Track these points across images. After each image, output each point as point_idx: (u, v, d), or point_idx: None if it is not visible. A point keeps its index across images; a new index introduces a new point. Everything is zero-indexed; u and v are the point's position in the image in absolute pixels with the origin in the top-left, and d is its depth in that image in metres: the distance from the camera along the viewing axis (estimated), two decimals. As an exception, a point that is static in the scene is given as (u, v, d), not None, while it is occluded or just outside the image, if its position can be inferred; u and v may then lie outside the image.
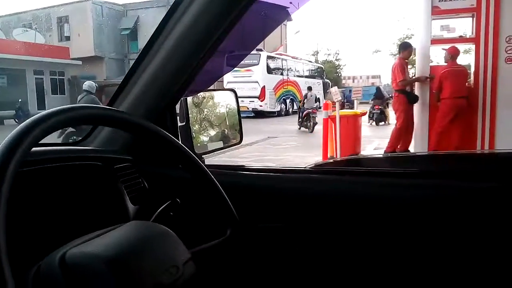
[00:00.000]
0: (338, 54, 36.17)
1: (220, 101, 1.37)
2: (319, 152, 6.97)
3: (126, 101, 1.12)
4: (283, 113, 19.08)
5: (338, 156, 6.45)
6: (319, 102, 22.49)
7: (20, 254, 0.67)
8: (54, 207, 0.89)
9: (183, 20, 1.01)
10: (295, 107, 20.14)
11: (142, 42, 24.47)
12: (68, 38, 23.95)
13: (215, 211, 0.88)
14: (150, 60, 1.07)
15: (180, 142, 0.84)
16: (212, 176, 0.85)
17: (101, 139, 1.21)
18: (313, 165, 1.23)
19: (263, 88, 17.90)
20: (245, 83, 17.96)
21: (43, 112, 0.62)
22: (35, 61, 19.55)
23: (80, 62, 21.93)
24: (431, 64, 5.92)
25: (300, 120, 13.27)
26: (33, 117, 0.60)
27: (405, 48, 6.27)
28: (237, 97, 1.40)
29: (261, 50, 18.54)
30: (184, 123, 1.22)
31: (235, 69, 18.72)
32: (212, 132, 1.33)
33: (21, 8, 25.13)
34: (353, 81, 32.66)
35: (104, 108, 0.74)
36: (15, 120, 17.63)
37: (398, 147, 6.28)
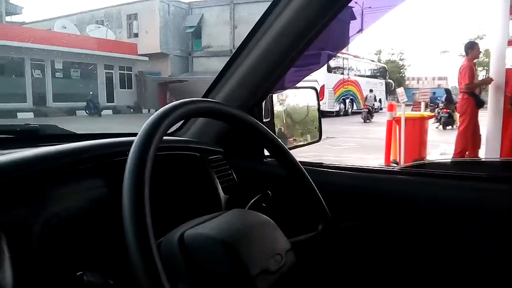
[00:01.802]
0: (402, 53, 34.90)
1: (302, 98, 1.39)
2: (380, 155, 6.79)
3: (220, 95, 1.17)
4: (342, 113, 18.70)
5: (402, 160, 6.25)
6: (381, 102, 21.93)
7: None
8: (159, 192, 0.96)
9: (282, 18, 1.04)
10: (355, 107, 19.71)
11: (206, 40, 25.12)
12: (136, 35, 25.11)
13: (306, 206, 0.90)
14: (246, 55, 1.12)
15: (280, 141, 0.87)
16: (306, 173, 0.88)
17: (193, 131, 1.27)
18: (400, 166, 1.22)
19: (322, 87, 17.64)
20: (304, 81, 17.84)
21: (171, 104, 0.67)
22: (106, 56, 20.71)
23: (147, 58, 22.91)
24: (507, 67, 5.55)
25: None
26: (163, 108, 0.66)
27: (472, 47, 5.91)
28: (318, 95, 1.41)
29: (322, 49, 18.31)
30: (269, 119, 1.26)
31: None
32: (293, 129, 1.36)
33: (94, 6, 26.58)
34: (418, 82, 31.44)
35: (219, 103, 0.79)
36: (86, 112, 18.81)
37: (467, 153, 5.98)
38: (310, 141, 1.40)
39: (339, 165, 1.25)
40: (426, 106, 10.75)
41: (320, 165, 1.25)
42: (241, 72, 1.14)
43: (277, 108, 1.28)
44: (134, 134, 1.29)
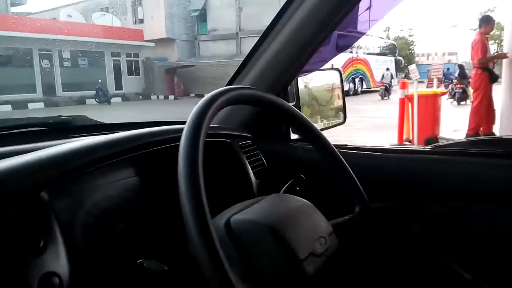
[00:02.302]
0: (411, 29, 34.26)
1: (326, 80, 1.38)
2: (394, 134, 6.75)
3: (247, 80, 1.17)
4: (351, 93, 18.45)
5: (415, 138, 6.21)
6: (391, 80, 21.64)
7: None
8: None
9: (308, 2, 1.03)
10: (364, 86, 19.48)
11: (212, 23, 24.89)
12: (141, 21, 24.95)
13: (339, 188, 0.90)
14: (272, 40, 1.11)
15: (313, 124, 0.87)
16: (340, 156, 0.88)
17: (219, 117, 1.28)
18: (431, 146, 1.21)
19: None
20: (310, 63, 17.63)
21: (215, 91, 0.68)
22: (113, 44, 20.66)
23: (153, 44, 22.80)
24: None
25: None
26: (208, 95, 0.66)
27: (488, 22, 5.79)
28: (341, 77, 1.40)
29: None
30: (295, 102, 1.26)
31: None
32: (318, 111, 1.36)
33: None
34: (427, 58, 30.97)
35: (259, 91, 0.79)
36: (95, 100, 18.88)
37: (481, 129, 5.92)
38: (335, 123, 1.40)
39: (364, 146, 1.25)
40: (441, 82, 10.61)
41: (345, 146, 1.26)
42: (268, 57, 1.14)
43: (302, 90, 1.28)
44: (158, 123, 1.30)
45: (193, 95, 22.69)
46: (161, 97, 22.41)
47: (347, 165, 0.89)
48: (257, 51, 1.15)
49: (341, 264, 0.74)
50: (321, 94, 1.36)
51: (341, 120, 1.40)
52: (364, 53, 19.93)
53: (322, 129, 1.35)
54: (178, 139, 0.62)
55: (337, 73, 1.38)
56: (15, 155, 0.81)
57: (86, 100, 18.93)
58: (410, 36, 32.14)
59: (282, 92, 1.20)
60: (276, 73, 1.15)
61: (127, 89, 21.93)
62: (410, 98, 6.44)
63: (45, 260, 0.60)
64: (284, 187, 0.95)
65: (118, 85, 21.83)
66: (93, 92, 19.06)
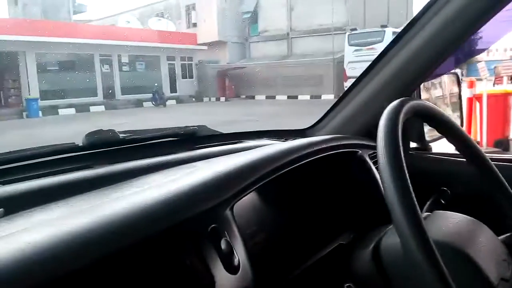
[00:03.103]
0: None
1: (444, 84, 1.32)
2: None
3: (372, 85, 1.14)
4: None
5: (484, 140, 5.89)
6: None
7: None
8: (330, 194, 0.96)
9: (441, 14, 0.99)
10: (420, 86, 18.79)
11: (262, 24, 25.02)
12: (195, 25, 25.56)
13: (498, 206, 0.85)
14: (401, 48, 1.08)
15: (467, 134, 0.82)
16: (498, 171, 0.82)
17: (333, 126, 1.25)
18: None
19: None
20: (367, 62, 17.16)
21: (397, 102, 0.65)
22: (168, 48, 21.30)
23: (206, 47, 23.29)
24: None
25: None
26: (394, 104, 0.64)
27: None
28: (459, 81, 1.34)
29: (385, 26, 17.55)
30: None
31: (357, 48, 18.12)
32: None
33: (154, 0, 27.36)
34: (488, 55, 29.34)
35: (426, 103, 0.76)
36: (152, 103, 19.56)
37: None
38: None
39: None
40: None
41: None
42: (397, 64, 1.10)
43: (423, 96, 1.23)
44: (278, 132, 1.29)
45: (244, 96, 22.91)
46: (213, 99, 22.82)
47: (503, 179, 0.83)
48: (383, 58, 1.12)
49: None
50: (439, 99, 1.31)
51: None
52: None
53: (439, 138, 1.29)
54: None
55: (454, 77, 1.31)
56: (163, 167, 0.83)
57: (143, 103, 19.64)
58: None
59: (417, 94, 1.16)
60: (402, 80, 1.11)
61: (181, 92, 22.53)
62: (478, 97, 6.12)
63: (240, 278, 0.60)
64: (429, 201, 0.90)
65: (173, 88, 22.47)
66: (150, 95, 19.74)
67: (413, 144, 1.26)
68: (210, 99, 22.95)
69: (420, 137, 1.22)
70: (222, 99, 22.40)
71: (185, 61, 23.42)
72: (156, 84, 20.20)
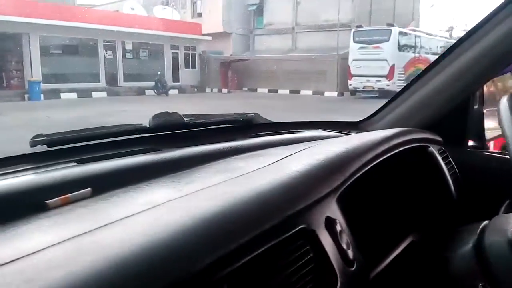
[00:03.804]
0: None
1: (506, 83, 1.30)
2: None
3: (440, 77, 1.12)
4: (411, 94, 17.77)
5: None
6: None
7: None
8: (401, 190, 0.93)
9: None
10: (425, 87, 18.73)
11: (268, 17, 24.88)
12: (200, 15, 25.37)
13: None
14: (475, 42, 1.06)
15: None
16: None
17: (392, 119, 1.23)
18: None
19: (392, 67, 16.90)
20: (372, 60, 17.15)
21: None
22: (172, 37, 21.16)
23: (210, 38, 23.14)
24: None
25: None
26: None
27: None
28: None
29: (392, 25, 17.48)
30: (477, 105, 1.19)
31: (362, 45, 18.05)
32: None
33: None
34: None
35: None
36: (154, 91, 19.45)
37: None
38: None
39: None
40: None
41: None
42: (465, 61, 1.08)
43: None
44: (330, 123, 1.26)
45: (246, 89, 22.82)
46: (215, 90, 22.72)
47: None
48: (451, 54, 1.10)
49: None
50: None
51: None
52: (426, 53, 19.11)
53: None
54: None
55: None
56: (232, 153, 0.81)
57: (146, 91, 19.54)
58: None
59: (472, 95, 1.13)
60: (472, 76, 1.09)
61: (183, 82, 22.41)
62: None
63: (357, 271, 0.58)
64: (506, 203, 0.88)
65: (176, 77, 22.35)
66: (152, 83, 19.62)
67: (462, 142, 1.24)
68: (212, 90, 22.84)
69: (479, 135, 1.20)
70: (224, 90, 22.31)
71: (188, 51, 23.28)
72: (159, 73, 20.08)
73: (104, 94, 18.27)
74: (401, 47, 17.46)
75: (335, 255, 0.56)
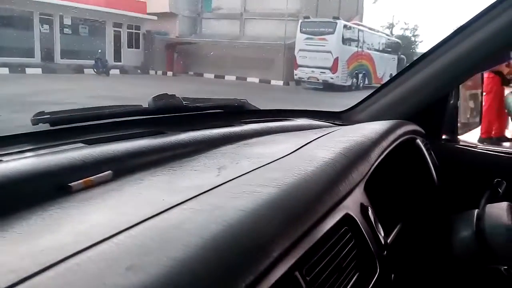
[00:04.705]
0: (416, 29, 33.97)
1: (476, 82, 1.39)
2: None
3: (428, 70, 1.17)
4: (353, 88, 18.33)
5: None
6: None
7: None
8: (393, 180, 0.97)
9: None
10: (366, 82, 19.45)
11: (216, 1, 24.49)
12: (145, -7, 24.46)
13: None
14: (466, 36, 1.12)
15: None
16: None
17: (375, 110, 1.27)
18: None
19: (336, 60, 17.37)
20: (317, 52, 17.52)
21: None
22: (115, 14, 20.21)
23: (155, 18, 22.38)
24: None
25: None
26: None
27: None
28: (482, 78, 1.41)
29: (338, 18, 17.91)
30: (452, 100, 1.27)
31: (308, 36, 18.34)
32: (469, 112, 1.37)
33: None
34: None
35: None
36: (94, 70, 18.51)
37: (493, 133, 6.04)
38: (472, 123, 1.41)
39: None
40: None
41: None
42: (454, 54, 1.14)
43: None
44: (315, 112, 1.29)
45: (192, 73, 22.43)
46: (160, 72, 22.11)
47: None
48: (441, 47, 1.15)
49: None
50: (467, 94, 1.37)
51: (478, 121, 1.41)
52: (368, 48, 19.84)
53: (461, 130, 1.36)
54: None
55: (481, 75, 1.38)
56: (233, 138, 0.81)
57: (84, 69, 18.57)
58: (414, 36, 32.02)
59: (456, 88, 1.21)
60: (460, 69, 1.16)
61: (125, 62, 21.55)
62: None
63: (389, 256, 0.60)
64: (487, 193, 0.94)
65: (117, 57, 21.43)
66: (92, 62, 18.67)
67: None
68: (156, 73, 22.19)
69: (453, 129, 1.28)
70: (169, 73, 21.77)
71: (132, 30, 22.37)
72: (99, 51, 19.13)
73: (39, 70, 17.11)
74: (345, 41, 17.97)
75: (372, 240, 0.58)
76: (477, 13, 1.07)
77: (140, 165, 0.65)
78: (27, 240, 0.41)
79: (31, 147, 0.67)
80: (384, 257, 0.60)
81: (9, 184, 0.51)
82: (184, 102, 0.96)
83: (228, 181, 0.53)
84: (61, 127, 0.74)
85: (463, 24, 1.14)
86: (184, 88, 14.71)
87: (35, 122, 0.73)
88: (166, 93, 0.93)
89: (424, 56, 1.20)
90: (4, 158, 0.61)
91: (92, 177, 0.59)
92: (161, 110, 0.91)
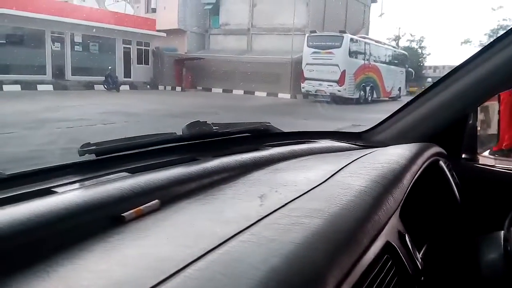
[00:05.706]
0: (422, 41, 33.80)
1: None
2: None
3: (449, 91, 1.20)
4: (361, 101, 18.40)
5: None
6: (400, 91, 21.70)
7: None
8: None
9: None
10: (375, 95, 19.45)
11: (224, 17, 24.80)
12: (154, 10, 24.83)
13: None
14: (488, 59, 1.14)
15: None
16: None
17: (394, 132, 1.30)
18: None
19: (343, 72, 17.45)
20: (324, 65, 17.62)
21: None
22: (124, 31, 20.54)
23: (164, 34, 22.71)
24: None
25: None
26: None
27: None
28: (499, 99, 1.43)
29: (344, 32, 18.04)
30: (471, 121, 1.29)
31: (315, 50, 18.42)
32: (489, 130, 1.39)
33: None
34: (434, 71, 31.19)
35: None
36: (104, 86, 18.76)
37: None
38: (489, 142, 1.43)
39: None
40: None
41: None
42: (475, 76, 1.17)
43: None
44: (335, 133, 1.31)
45: (200, 88, 22.63)
46: (169, 87, 22.34)
47: None
48: (463, 69, 1.18)
49: None
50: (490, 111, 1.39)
51: (495, 141, 1.43)
52: (375, 61, 19.89)
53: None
54: None
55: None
56: (265, 163, 0.84)
57: (95, 86, 18.83)
58: (420, 48, 31.94)
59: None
60: (476, 93, 1.18)
61: (135, 78, 21.83)
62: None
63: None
64: (511, 215, 0.96)
65: (127, 73, 21.72)
66: (102, 78, 18.93)
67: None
68: (165, 88, 22.43)
69: (472, 149, 1.30)
70: (178, 88, 21.98)
71: (141, 46, 22.71)
72: (109, 67, 19.40)
73: (50, 87, 17.40)
74: (351, 54, 18.06)
75: (411, 267, 0.61)
76: (496, 35, 1.11)
77: (183, 193, 0.68)
78: (97, 273, 0.43)
79: (80, 178, 0.70)
80: (422, 283, 0.62)
81: (68, 216, 0.54)
82: (214, 128, 1.00)
83: (274, 211, 0.56)
84: (104, 157, 0.78)
85: (482, 48, 1.17)
86: (192, 103, 14.84)
87: (82, 153, 0.77)
88: (199, 120, 0.97)
89: (445, 78, 1.23)
90: (58, 190, 0.65)
91: (142, 206, 0.62)
92: (195, 136, 0.95)
